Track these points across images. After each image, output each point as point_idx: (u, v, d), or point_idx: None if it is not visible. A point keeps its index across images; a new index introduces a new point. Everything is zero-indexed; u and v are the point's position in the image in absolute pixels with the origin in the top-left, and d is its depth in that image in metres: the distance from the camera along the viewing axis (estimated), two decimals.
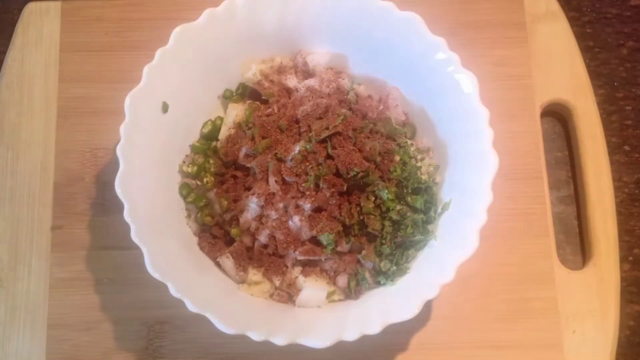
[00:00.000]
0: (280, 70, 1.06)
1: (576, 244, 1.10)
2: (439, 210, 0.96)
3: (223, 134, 1.03)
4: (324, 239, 0.93)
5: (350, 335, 0.85)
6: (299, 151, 0.93)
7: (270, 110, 1.02)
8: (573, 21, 1.20)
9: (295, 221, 0.93)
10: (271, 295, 0.98)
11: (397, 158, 0.98)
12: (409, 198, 0.95)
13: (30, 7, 1.16)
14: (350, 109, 1.02)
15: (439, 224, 0.95)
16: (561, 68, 1.13)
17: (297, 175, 0.92)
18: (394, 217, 0.94)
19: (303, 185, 0.92)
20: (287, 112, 0.99)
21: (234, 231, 0.98)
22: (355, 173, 0.92)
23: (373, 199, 0.94)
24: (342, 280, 0.96)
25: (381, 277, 0.96)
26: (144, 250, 0.86)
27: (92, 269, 1.05)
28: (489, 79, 1.10)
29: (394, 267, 0.95)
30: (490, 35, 1.14)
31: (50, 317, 1.03)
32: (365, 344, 0.87)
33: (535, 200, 1.07)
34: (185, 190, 1.01)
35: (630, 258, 1.14)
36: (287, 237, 0.94)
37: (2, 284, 1.05)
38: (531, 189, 1.08)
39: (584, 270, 1.06)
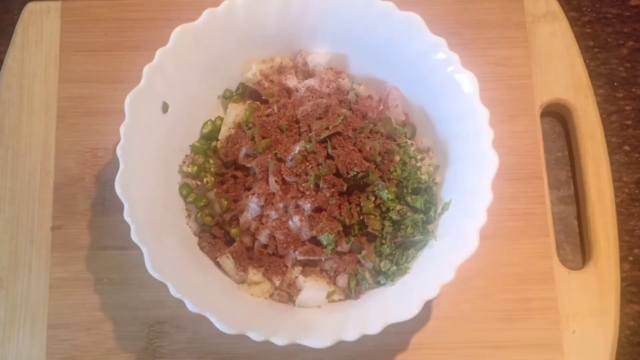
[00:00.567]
0: (280, 70, 1.06)
1: (576, 244, 1.10)
2: (439, 210, 0.96)
3: (223, 134, 1.03)
4: (324, 239, 0.93)
5: (350, 335, 0.85)
6: (299, 151, 0.93)
7: (270, 110, 1.02)
8: (573, 21, 1.20)
9: (295, 221, 0.93)
10: (271, 295, 0.98)
11: (397, 158, 0.98)
12: (409, 198, 0.95)
13: (30, 7, 1.16)
14: (350, 109, 1.02)
15: (439, 224, 0.95)
16: (561, 68, 1.13)
17: (297, 175, 0.92)
18: (394, 217, 0.94)
19: (303, 185, 0.92)
20: (287, 112, 0.99)
21: (234, 231, 0.98)
22: (355, 173, 0.92)
23: (373, 199, 0.95)
24: (342, 280, 0.96)
25: (381, 277, 0.96)
26: (144, 250, 0.86)
27: (92, 269, 1.05)
28: (489, 79, 1.11)
29: (394, 267, 0.95)
30: (490, 35, 1.14)
31: (50, 317, 1.03)
32: (365, 344, 0.87)
33: (535, 200, 1.07)
34: (185, 190, 1.01)
35: (630, 258, 1.14)
36: (287, 237, 0.94)
37: (2, 284, 1.05)
38: (531, 189, 1.08)
39: (584, 270, 1.06)
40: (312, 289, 0.95)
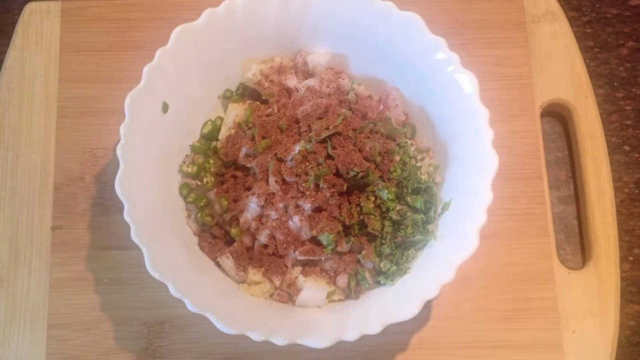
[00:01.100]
0: (280, 70, 1.06)
1: (576, 244, 1.10)
2: (439, 210, 0.96)
3: (223, 134, 1.03)
4: (324, 239, 0.93)
5: (350, 335, 0.85)
6: (299, 151, 0.93)
7: (270, 110, 1.02)
8: (573, 21, 1.20)
9: (295, 221, 0.93)
10: (271, 295, 0.98)
11: (397, 158, 0.98)
12: (409, 198, 0.95)
13: (30, 7, 1.16)
14: (350, 109, 1.02)
15: (439, 224, 0.95)
16: (561, 68, 1.13)
17: (297, 175, 0.92)
18: (394, 217, 0.94)
19: (303, 185, 0.92)
20: (287, 112, 0.99)
21: (234, 231, 0.98)
22: (355, 173, 0.92)
23: (373, 199, 0.94)
24: (342, 280, 0.96)
25: (381, 277, 0.96)
26: (144, 250, 0.86)
27: (92, 269, 1.05)
28: (489, 79, 1.11)
29: (394, 267, 0.95)
30: (490, 35, 1.14)
31: (50, 317, 1.03)
32: (365, 344, 0.87)
33: (535, 200, 1.07)
34: (185, 190, 1.01)
35: (630, 258, 1.14)
36: (287, 237, 0.94)
37: (2, 284, 1.05)
38: (531, 189, 1.08)
39: (584, 270, 1.06)
40: (312, 289, 0.95)
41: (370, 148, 0.95)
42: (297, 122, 0.98)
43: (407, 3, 0.97)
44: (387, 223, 0.95)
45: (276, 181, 0.93)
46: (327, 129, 0.94)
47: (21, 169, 1.09)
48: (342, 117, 0.95)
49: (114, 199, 1.05)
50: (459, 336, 1.02)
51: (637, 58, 1.23)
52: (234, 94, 1.06)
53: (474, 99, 0.92)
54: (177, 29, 0.94)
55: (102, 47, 1.14)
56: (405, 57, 0.99)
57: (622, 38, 1.24)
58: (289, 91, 1.06)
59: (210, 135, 1.04)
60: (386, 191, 0.94)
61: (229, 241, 1.00)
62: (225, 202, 0.98)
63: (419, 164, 1.01)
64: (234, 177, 1.01)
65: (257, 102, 1.05)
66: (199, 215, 1.00)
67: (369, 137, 0.97)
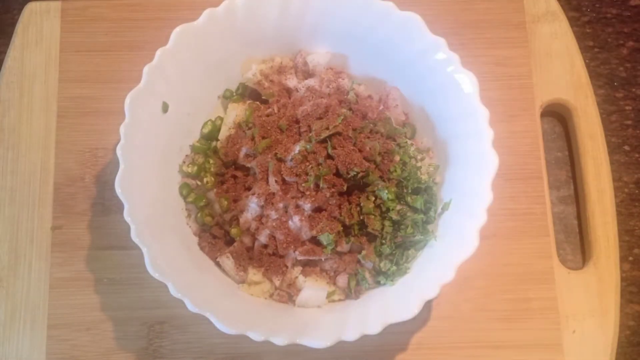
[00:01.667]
0: (280, 70, 1.06)
1: (576, 244, 1.10)
2: (439, 210, 0.96)
3: (223, 134, 1.03)
4: (324, 239, 0.93)
5: (350, 335, 0.85)
6: (299, 151, 0.93)
7: (270, 110, 1.02)
8: (573, 21, 1.20)
9: (295, 221, 0.93)
10: (271, 295, 0.98)
11: (397, 158, 0.98)
12: (409, 198, 0.95)
13: (30, 7, 1.16)
14: (350, 109, 1.02)
15: (439, 224, 0.95)
16: (561, 68, 1.13)
17: (297, 175, 0.92)
18: (394, 217, 0.94)
19: (303, 185, 0.92)
20: (287, 112, 0.99)
21: (234, 231, 0.98)
22: (355, 173, 0.92)
23: (373, 199, 0.94)
24: (342, 280, 0.96)
25: (381, 277, 0.96)
26: (144, 250, 0.86)
27: (92, 269, 1.05)
28: (489, 79, 1.11)
29: (394, 267, 0.95)
30: (490, 35, 1.14)
31: (50, 317, 1.03)
32: (365, 344, 0.87)
33: (535, 200, 1.07)
34: (185, 190, 1.01)
35: (630, 258, 1.14)
36: (287, 237, 0.94)
37: (2, 284, 1.05)
38: (531, 189, 1.08)
39: (584, 270, 1.06)
40: (312, 289, 0.95)
41: (370, 148, 0.95)
42: (297, 122, 0.98)
43: (407, 3, 0.97)
44: (387, 223, 0.95)
45: (276, 181, 0.93)
46: (327, 129, 0.94)
47: (21, 169, 1.09)
48: (342, 117, 0.95)
49: (114, 199, 1.05)
50: (459, 336, 1.02)
51: (637, 58, 1.23)
52: (234, 94, 1.06)
53: (474, 99, 0.92)
54: (177, 29, 0.94)
55: (102, 47, 1.14)
56: (405, 57, 0.99)
57: (622, 38, 1.24)
58: (289, 91, 1.06)
59: (210, 135, 1.04)
60: (386, 191, 0.94)
61: (229, 241, 1.00)
62: (225, 202, 0.98)
63: (419, 164, 1.01)
64: (234, 177, 1.01)
65: (257, 102, 1.05)
66: (199, 215, 1.00)
67: (369, 137, 0.97)
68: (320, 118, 0.96)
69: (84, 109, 1.11)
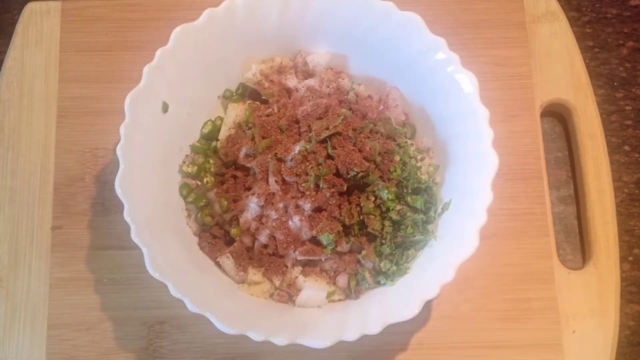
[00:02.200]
0: (280, 70, 1.06)
1: (576, 244, 1.10)
2: (439, 210, 0.96)
3: (223, 134, 1.03)
4: (324, 239, 0.93)
5: (350, 335, 0.85)
6: (299, 151, 0.93)
7: (270, 110, 1.02)
8: (573, 21, 1.20)
9: (295, 221, 0.93)
10: (271, 295, 0.98)
11: (397, 158, 0.98)
12: (409, 198, 0.95)
13: (30, 7, 1.16)
14: (350, 109, 1.02)
15: (439, 224, 0.95)
16: (561, 68, 1.13)
17: (297, 175, 0.92)
18: (394, 217, 0.94)
19: (303, 185, 0.92)
20: (287, 112, 0.99)
21: (234, 231, 0.98)
22: (355, 173, 0.92)
23: (373, 199, 0.94)
24: (342, 280, 0.96)
25: (381, 277, 0.96)
26: (144, 250, 0.86)
27: (92, 269, 1.05)
28: (489, 79, 1.11)
29: (394, 267, 0.95)
30: (490, 35, 1.14)
31: (50, 317, 1.03)
32: (365, 344, 0.87)
33: (535, 200, 1.07)
34: (185, 190, 1.01)
35: (630, 258, 1.14)
36: (287, 237, 0.94)
37: (2, 284, 1.05)
38: (531, 189, 1.08)
39: (584, 270, 1.06)
40: (312, 289, 0.95)
41: (370, 148, 0.95)
42: (297, 122, 0.98)
43: (407, 3, 0.97)
44: (387, 223, 0.95)
45: (276, 181, 0.93)
46: (327, 129, 0.94)
47: (21, 169, 1.09)
48: (342, 117, 0.95)
49: (114, 199, 1.05)
50: (459, 336, 1.02)
51: (637, 58, 1.23)
52: (234, 94, 1.06)
53: (474, 99, 0.92)
54: (177, 29, 0.94)
55: (102, 47, 1.14)
56: (405, 57, 0.99)
57: (622, 38, 1.24)
58: (289, 91, 1.06)
59: (210, 135, 1.04)
60: (386, 191, 0.94)
61: (229, 241, 1.00)
62: (225, 202, 0.98)
63: (419, 164, 1.01)
64: (234, 177, 1.01)
65: (257, 102, 1.05)
66: (199, 215, 1.00)
67: (369, 137, 0.97)
68: (320, 118, 0.96)
69: (84, 109, 1.11)
